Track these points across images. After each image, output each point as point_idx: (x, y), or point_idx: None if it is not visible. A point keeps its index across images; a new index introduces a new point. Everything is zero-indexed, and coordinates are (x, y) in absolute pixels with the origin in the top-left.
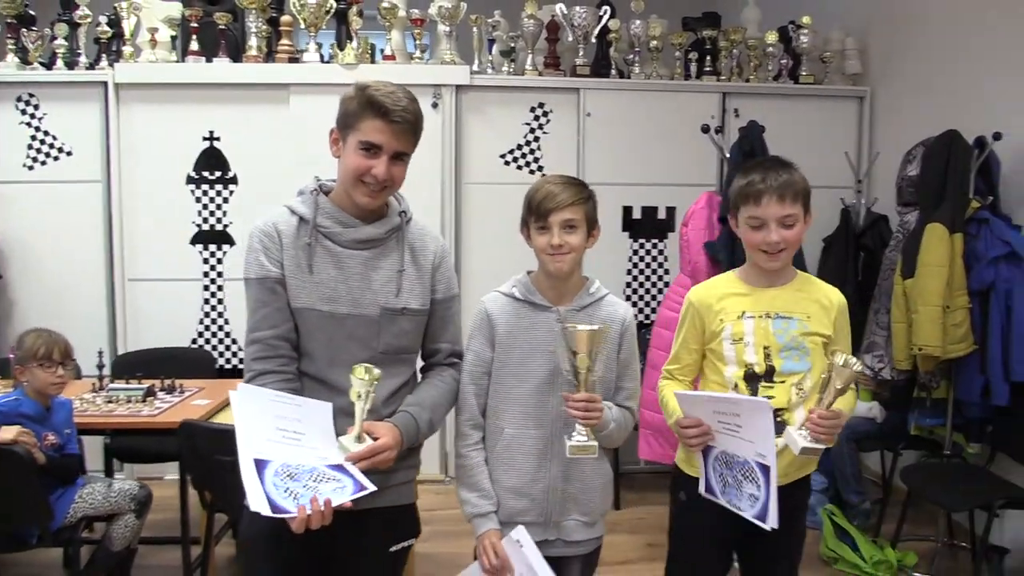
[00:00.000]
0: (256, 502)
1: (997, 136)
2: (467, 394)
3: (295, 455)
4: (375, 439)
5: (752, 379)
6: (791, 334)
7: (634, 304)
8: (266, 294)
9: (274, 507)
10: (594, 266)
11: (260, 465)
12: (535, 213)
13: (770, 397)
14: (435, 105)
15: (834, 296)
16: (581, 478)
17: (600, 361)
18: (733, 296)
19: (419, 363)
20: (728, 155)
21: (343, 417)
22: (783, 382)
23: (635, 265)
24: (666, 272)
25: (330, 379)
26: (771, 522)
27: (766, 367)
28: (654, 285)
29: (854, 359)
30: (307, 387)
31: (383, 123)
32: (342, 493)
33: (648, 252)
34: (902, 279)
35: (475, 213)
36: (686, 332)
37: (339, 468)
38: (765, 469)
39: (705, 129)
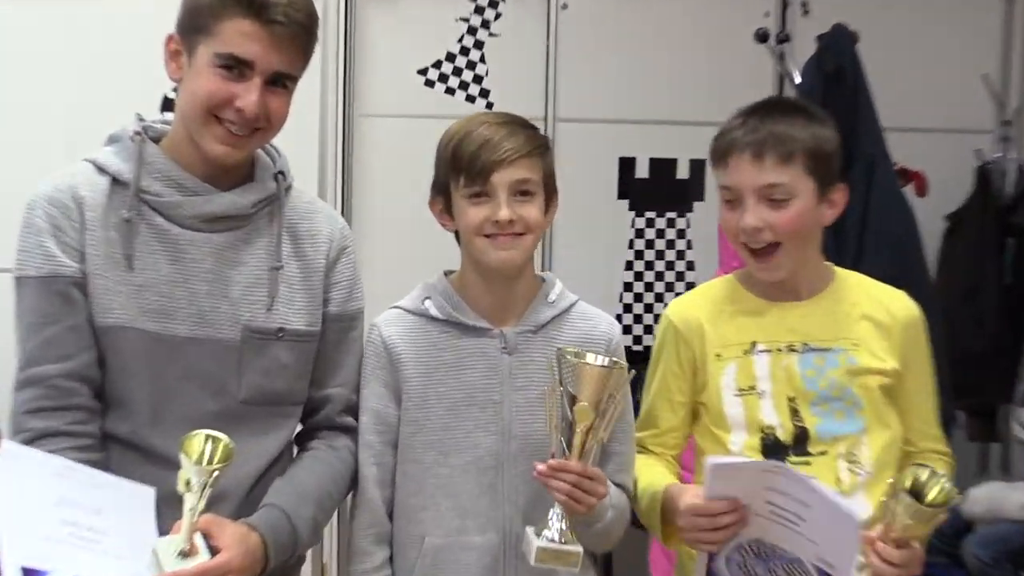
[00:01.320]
0: None
1: None
2: (366, 482)
3: (87, 566)
4: (214, 551)
5: (774, 451)
6: (830, 375)
7: (638, 320)
8: (53, 303)
9: None
10: (567, 257)
11: None
12: (465, 171)
13: None
14: None
15: (898, 306)
16: None
17: (610, 419)
18: (737, 316)
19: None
20: (798, 80)
21: (173, 506)
22: (824, 453)
23: (639, 256)
24: (690, 267)
25: (154, 445)
26: None
27: (795, 430)
28: (671, 289)
29: (942, 480)
30: (116, 457)
31: (256, 24)
32: None
33: (661, 235)
34: None
35: (376, 165)
36: (663, 374)
37: None
38: None
39: (762, 36)
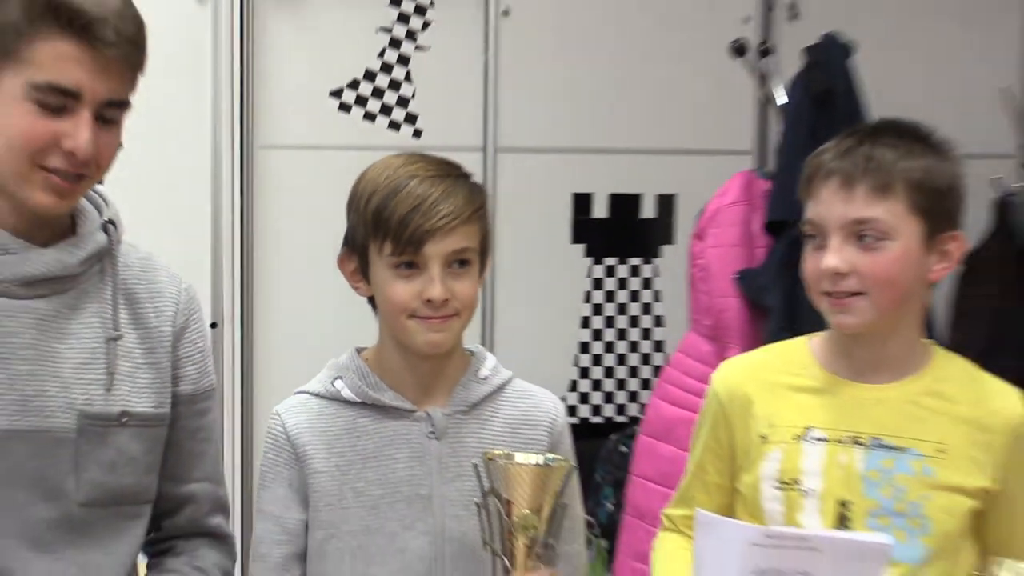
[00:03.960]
0: None
1: None
2: None
3: None
4: None
5: None
6: (899, 483)
7: (596, 387)
8: None
9: None
10: (511, 313)
11: None
12: (392, 238)
13: None
14: None
15: (1008, 407)
16: None
17: (558, 524)
18: (796, 391)
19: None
20: (784, 99)
21: None
22: None
23: (597, 310)
24: (658, 323)
25: None
26: None
27: None
28: (635, 349)
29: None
30: None
31: (81, 46)
32: None
33: (623, 285)
34: None
35: (280, 206)
36: (704, 449)
37: None
38: None
39: (738, 49)
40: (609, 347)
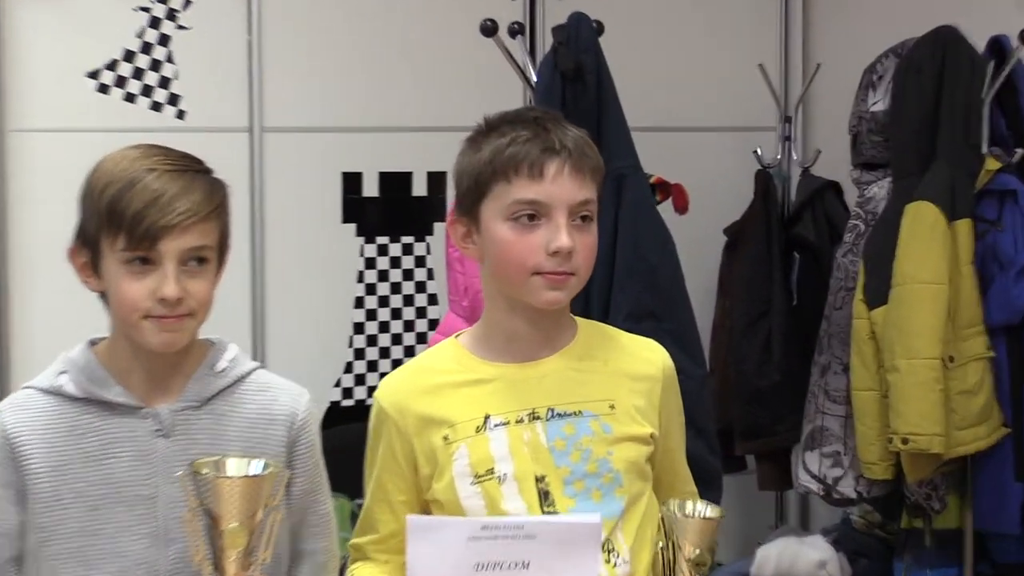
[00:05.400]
0: None
1: None
2: None
3: None
4: None
5: None
6: (584, 445)
7: (372, 367)
8: None
9: None
10: (282, 295)
11: None
12: (125, 233)
13: None
14: None
15: (655, 356)
16: None
17: (270, 536)
18: (463, 387)
19: None
20: (535, 78)
21: None
22: None
23: (371, 290)
24: (432, 302)
25: None
26: None
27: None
28: (410, 328)
29: (710, 506)
30: None
31: None
32: None
33: (396, 264)
34: (867, 307)
35: (34, 192)
36: (382, 469)
37: None
38: None
39: (487, 29)
40: (384, 327)
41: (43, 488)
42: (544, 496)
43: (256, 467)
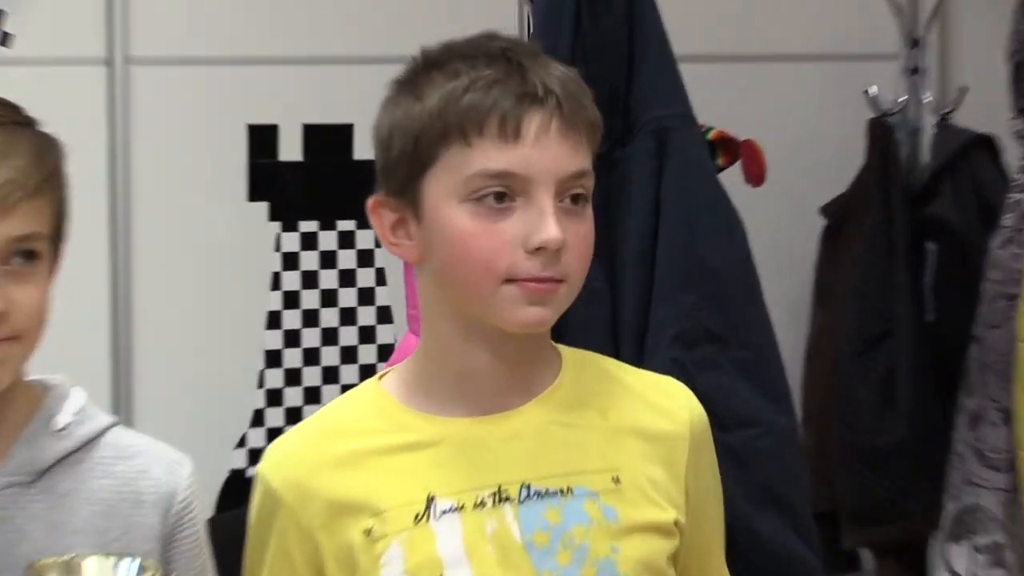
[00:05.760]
0: None
1: None
2: None
3: None
4: None
5: None
6: (576, 539)
7: (293, 419)
8: None
9: None
10: (151, 305)
11: None
12: None
13: None
14: None
15: (678, 405)
16: None
17: None
18: (394, 453)
19: None
20: None
21: None
22: None
23: (291, 301)
24: (386, 318)
25: None
26: None
27: None
28: (351, 360)
29: None
30: None
31: None
32: None
33: (331, 263)
34: None
35: None
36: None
37: None
38: None
39: None
40: (311, 356)
41: None
42: None
43: (128, 569)
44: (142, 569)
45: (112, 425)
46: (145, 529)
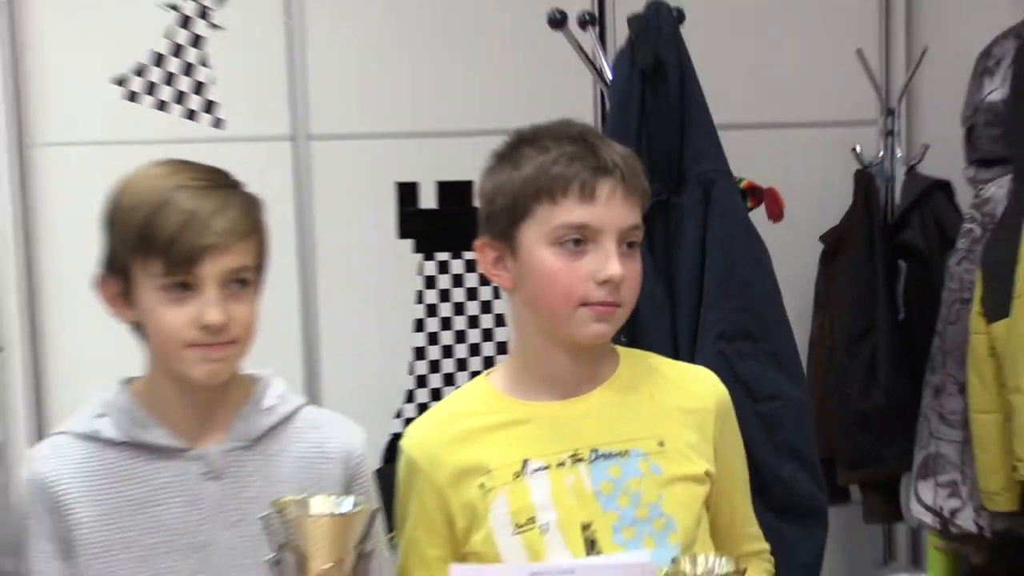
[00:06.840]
0: None
1: None
2: None
3: None
4: None
5: None
6: (632, 488)
7: (436, 396)
8: None
9: None
10: (333, 320)
11: None
12: (162, 257)
13: None
14: None
15: (706, 387)
16: None
17: (367, 571)
18: (498, 430)
19: None
20: (609, 74)
21: None
22: None
23: (432, 311)
24: (500, 322)
25: None
26: None
27: None
28: (476, 352)
29: (722, 561)
30: None
31: None
32: None
33: (459, 282)
34: (986, 321)
35: (61, 209)
36: (415, 524)
37: None
38: None
39: (555, 21)
40: (447, 352)
41: (90, 538)
42: (591, 545)
43: (346, 504)
44: (356, 503)
45: (304, 404)
46: (331, 479)
